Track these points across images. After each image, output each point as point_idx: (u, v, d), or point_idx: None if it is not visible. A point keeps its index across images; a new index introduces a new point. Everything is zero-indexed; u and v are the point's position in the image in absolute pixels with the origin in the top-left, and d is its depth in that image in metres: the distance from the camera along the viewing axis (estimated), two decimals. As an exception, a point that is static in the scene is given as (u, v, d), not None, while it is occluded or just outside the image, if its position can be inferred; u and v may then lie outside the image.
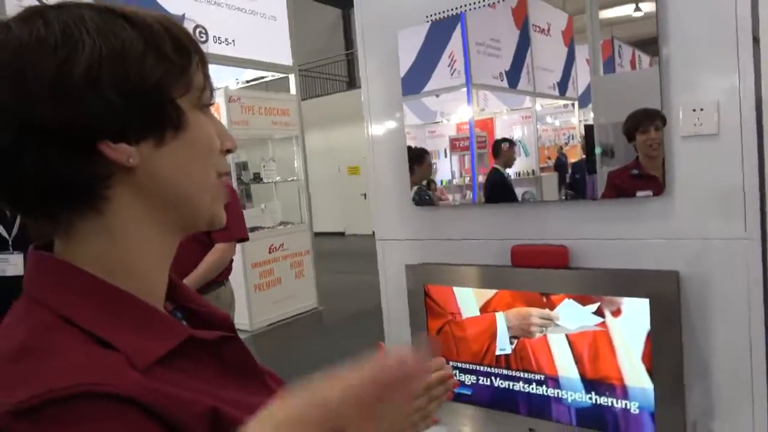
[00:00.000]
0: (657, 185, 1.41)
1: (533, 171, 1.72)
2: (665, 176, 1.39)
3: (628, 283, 1.42)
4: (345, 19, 16.26)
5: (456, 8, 1.69)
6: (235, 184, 5.62)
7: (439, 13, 1.72)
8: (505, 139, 1.71)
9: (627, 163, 1.46)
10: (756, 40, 1.27)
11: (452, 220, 1.81)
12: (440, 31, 1.74)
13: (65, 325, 0.48)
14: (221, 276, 2.68)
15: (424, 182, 1.86)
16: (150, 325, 0.52)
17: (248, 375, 0.60)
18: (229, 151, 0.60)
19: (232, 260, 2.75)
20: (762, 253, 1.30)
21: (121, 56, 0.50)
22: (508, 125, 1.81)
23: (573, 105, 1.60)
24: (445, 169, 1.91)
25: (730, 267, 1.34)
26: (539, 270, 1.57)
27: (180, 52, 0.55)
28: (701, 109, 1.34)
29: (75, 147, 0.48)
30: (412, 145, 1.83)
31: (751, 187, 1.30)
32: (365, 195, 16.14)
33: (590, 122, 1.55)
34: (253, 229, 5.86)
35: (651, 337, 1.38)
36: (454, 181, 1.89)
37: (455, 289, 1.70)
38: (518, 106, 1.76)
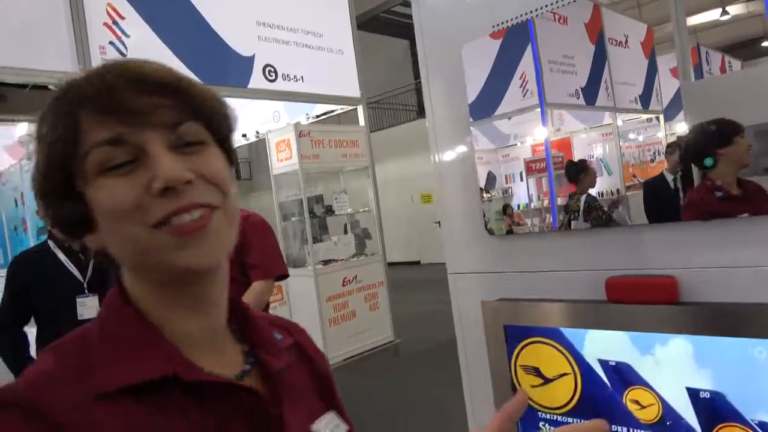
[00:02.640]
0: (752, 205, 1.23)
1: (618, 190, 1.62)
2: None
3: (760, 320, 1.18)
4: (413, 50, 16.53)
5: (523, 15, 1.62)
6: (307, 218, 5.71)
7: (507, 21, 1.65)
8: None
9: (702, 182, 1.30)
10: None
11: (532, 249, 1.68)
12: (510, 52, 1.68)
13: (79, 346, 0.57)
14: None
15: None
16: (139, 358, 0.55)
17: (255, 426, 0.60)
18: (167, 190, 0.53)
19: (268, 304, 2.60)
20: None
21: (36, 165, 0.55)
22: (587, 144, 1.72)
23: (658, 119, 1.50)
24: (522, 193, 1.83)
25: None
26: (642, 306, 1.36)
27: (62, 124, 0.53)
28: None
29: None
30: (574, 159, 1.73)
31: None
32: (439, 223, 16.02)
33: (682, 134, 1.43)
34: (327, 262, 5.91)
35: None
36: (532, 205, 1.81)
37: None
38: (597, 123, 1.68)
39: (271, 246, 2.54)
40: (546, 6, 1.58)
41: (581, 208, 1.63)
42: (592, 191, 1.64)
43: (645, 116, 1.53)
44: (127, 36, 3.23)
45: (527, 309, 1.60)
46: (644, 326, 1.36)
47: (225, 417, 0.56)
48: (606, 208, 1.56)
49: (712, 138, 1.28)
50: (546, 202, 1.78)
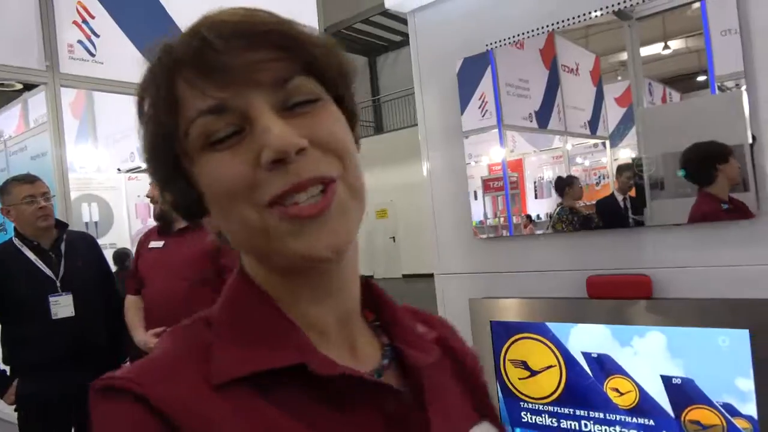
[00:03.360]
0: (741, 213, 1.35)
1: (566, 211, 1.70)
2: (758, 198, 1.31)
3: (723, 312, 1.32)
4: (371, 67, 16.74)
5: (516, 36, 1.69)
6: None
7: (501, 41, 1.71)
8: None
9: (700, 197, 1.39)
10: None
11: (517, 251, 1.75)
12: (471, 74, 1.76)
13: (200, 331, 0.49)
14: None
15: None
16: (266, 344, 0.47)
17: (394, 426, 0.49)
18: (277, 162, 0.43)
19: None
20: None
21: (143, 143, 0.50)
22: (537, 166, 1.81)
23: (604, 144, 1.59)
24: (477, 211, 1.90)
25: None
26: (620, 301, 1.48)
27: (158, 96, 0.46)
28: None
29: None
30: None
31: None
32: (394, 238, 16.15)
33: (626, 159, 1.52)
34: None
35: (754, 371, 1.27)
36: (488, 222, 1.88)
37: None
38: (547, 146, 1.76)
39: None
40: (541, 28, 1.64)
41: (553, 219, 1.72)
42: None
43: (592, 141, 1.62)
44: (97, 36, 3.21)
45: (513, 306, 1.68)
46: (622, 320, 1.46)
47: (358, 416, 0.48)
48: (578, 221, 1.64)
49: (713, 155, 1.37)
50: (503, 220, 1.86)
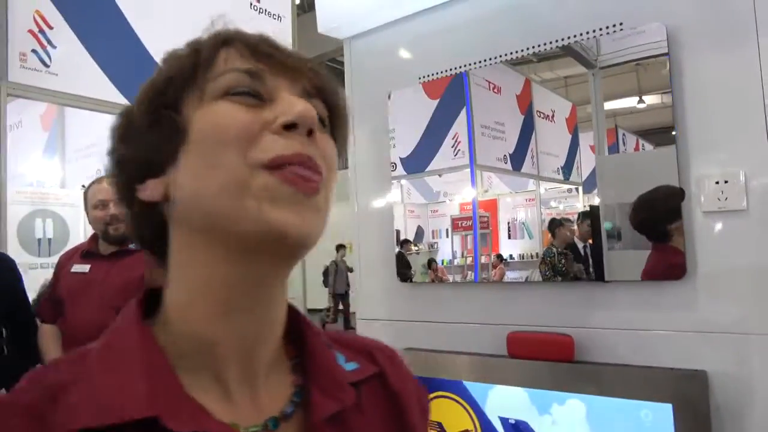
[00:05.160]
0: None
1: (537, 254, 1.70)
2: (686, 258, 1.25)
3: (647, 383, 1.23)
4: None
5: (450, 70, 1.72)
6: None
7: (432, 74, 1.75)
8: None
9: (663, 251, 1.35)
10: None
11: (441, 300, 1.71)
12: (445, 113, 1.76)
13: (67, 369, 0.45)
14: None
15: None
16: (123, 390, 0.42)
17: None
18: (290, 126, 0.44)
19: None
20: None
21: (148, 86, 0.50)
22: (512, 207, 1.81)
23: (577, 190, 1.60)
24: (447, 249, 1.88)
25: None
26: (540, 363, 1.39)
27: (196, 50, 0.49)
28: (725, 182, 1.21)
29: (125, 198, 0.50)
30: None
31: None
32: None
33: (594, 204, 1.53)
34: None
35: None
36: (455, 261, 1.86)
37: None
38: (522, 188, 1.77)
39: None
40: (472, 64, 1.67)
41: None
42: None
43: (566, 186, 1.64)
44: (54, 47, 3.07)
45: (433, 360, 1.60)
46: (542, 383, 1.38)
47: None
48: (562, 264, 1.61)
49: (671, 212, 1.31)
50: (469, 260, 1.84)
